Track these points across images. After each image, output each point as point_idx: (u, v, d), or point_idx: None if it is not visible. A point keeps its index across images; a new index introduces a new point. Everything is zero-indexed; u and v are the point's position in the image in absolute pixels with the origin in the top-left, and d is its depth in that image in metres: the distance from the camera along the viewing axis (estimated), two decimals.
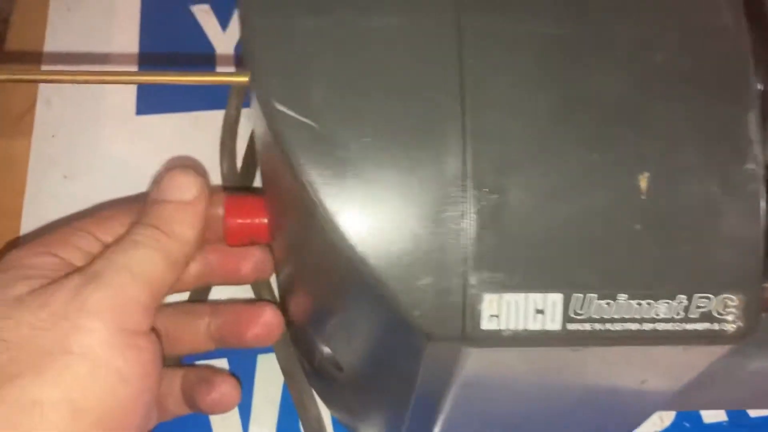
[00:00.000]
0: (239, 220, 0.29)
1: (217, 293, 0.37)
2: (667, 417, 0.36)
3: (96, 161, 0.41)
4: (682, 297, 0.21)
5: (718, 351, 0.23)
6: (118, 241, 0.27)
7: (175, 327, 0.32)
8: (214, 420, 0.35)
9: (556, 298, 0.21)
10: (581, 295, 0.21)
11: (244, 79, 0.24)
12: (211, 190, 0.29)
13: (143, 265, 0.26)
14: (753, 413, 0.36)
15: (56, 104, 0.42)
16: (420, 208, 0.21)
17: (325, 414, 0.35)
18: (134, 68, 0.44)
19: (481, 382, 0.24)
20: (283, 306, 0.34)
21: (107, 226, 0.28)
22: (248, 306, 0.32)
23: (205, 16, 0.46)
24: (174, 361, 0.34)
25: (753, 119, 0.21)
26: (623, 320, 0.21)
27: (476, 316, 0.21)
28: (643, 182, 0.21)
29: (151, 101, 0.43)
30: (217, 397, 0.31)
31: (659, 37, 0.22)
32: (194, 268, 0.31)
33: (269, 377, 0.36)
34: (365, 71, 0.21)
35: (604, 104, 0.21)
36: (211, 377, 0.31)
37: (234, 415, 0.35)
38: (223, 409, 0.32)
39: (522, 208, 0.21)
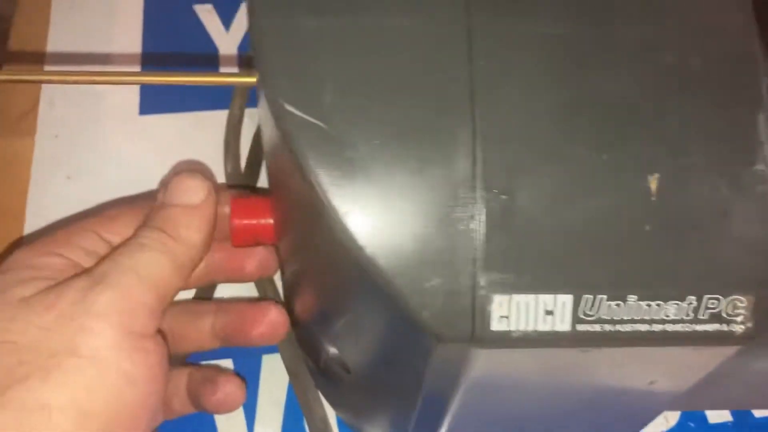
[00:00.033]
0: (245, 221, 0.29)
1: (222, 291, 0.37)
2: (672, 417, 0.36)
3: (99, 161, 0.41)
4: (692, 298, 0.21)
5: (727, 352, 0.22)
6: (125, 243, 0.27)
7: (180, 325, 0.32)
8: (219, 420, 0.35)
9: (565, 299, 0.21)
10: (591, 296, 0.21)
11: (251, 80, 0.24)
12: (217, 189, 0.29)
13: (150, 268, 0.26)
14: (758, 413, 0.36)
15: (59, 104, 0.42)
16: (429, 209, 0.21)
17: (330, 414, 0.35)
18: (137, 68, 0.44)
19: (489, 382, 0.24)
20: (288, 306, 0.34)
21: (112, 225, 0.28)
22: (253, 305, 0.32)
23: (208, 15, 0.45)
24: (180, 360, 0.34)
25: (762, 120, 0.21)
26: (633, 321, 0.21)
27: (486, 318, 0.21)
28: (653, 183, 0.21)
29: (154, 101, 0.42)
30: (221, 396, 0.31)
31: (669, 39, 0.22)
32: (200, 265, 0.31)
33: (274, 377, 0.36)
34: (374, 72, 0.21)
35: (613, 105, 0.21)
36: (215, 377, 0.31)
37: (239, 415, 0.35)
38: (228, 409, 0.32)
39: (531, 209, 0.21)
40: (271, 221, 0.29)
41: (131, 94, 0.43)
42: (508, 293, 0.21)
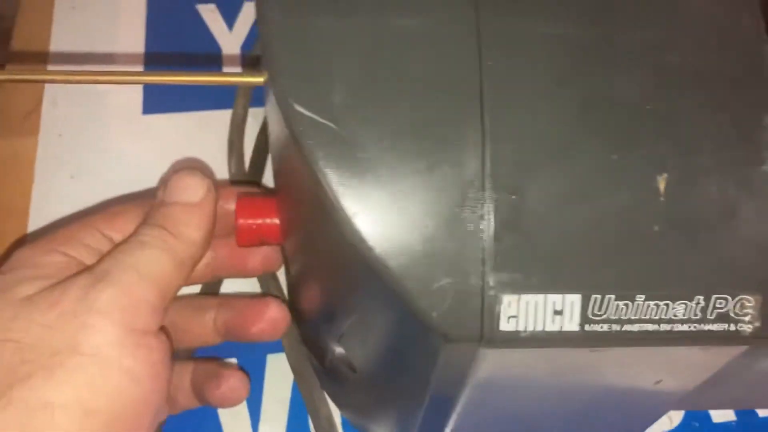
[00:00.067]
0: (250, 221, 0.29)
1: (228, 286, 0.37)
2: (677, 416, 0.36)
3: (102, 161, 0.40)
4: (700, 298, 0.21)
5: (734, 351, 0.23)
6: (126, 241, 0.27)
7: (183, 320, 0.32)
8: (224, 419, 0.35)
9: (574, 299, 0.21)
10: (599, 296, 0.21)
11: (258, 80, 0.24)
12: (220, 186, 0.29)
13: (150, 266, 0.26)
14: (762, 413, 0.36)
15: (62, 104, 0.42)
16: (438, 210, 0.21)
17: (335, 414, 0.35)
18: (140, 68, 0.44)
19: (496, 382, 0.24)
20: (293, 305, 0.34)
21: (115, 222, 0.28)
22: (254, 301, 0.32)
23: (211, 15, 0.45)
24: (185, 354, 0.34)
25: None
26: (641, 321, 0.21)
27: (495, 318, 0.21)
28: (662, 183, 0.21)
29: (157, 101, 0.42)
30: (225, 391, 0.31)
31: (678, 39, 0.22)
32: (203, 261, 0.31)
33: (279, 376, 0.36)
34: (384, 72, 0.21)
35: (622, 105, 0.21)
36: (219, 372, 0.32)
37: (244, 414, 0.35)
38: (231, 403, 0.32)
39: (540, 209, 0.21)
40: (277, 221, 0.29)
41: (134, 94, 0.43)
42: (517, 293, 0.21)
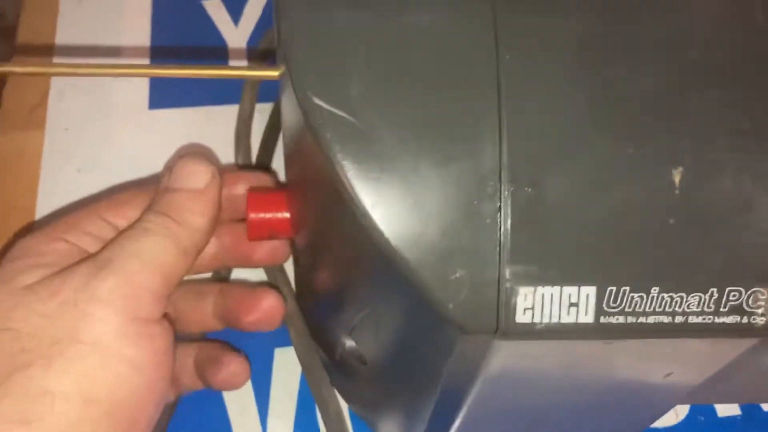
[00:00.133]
0: (261, 215, 0.29)
1: (237, 274, 0.37)
2: (682, 411, 0.36)
3: (109, 155, 0.41)
4: (714, 290, 0.21)
5: (746, 344, 0.23)
6: (130, 228, 0.26)
7: (185, 305, 0.32)
8: (232, 414, 0.35)
9: (590, 291, 0.21)
10: (615, 288, 0.21)
11: (272, 73, 0.24)
12: (225, 171, 0.29)
13: (153, 253, 0.25)
14: (766, 407, 0.37)
15: (68, 97, 0.42)
16: (455, 202, 0.21)
17: (344, 408, 0.35)
18: (146, 62, 0.44)
19: (508, 374, 0.24)
20: (301, 298, 0.34)
21: (119, 210, 0.28)
22: (251, 290, 0.32)
23: (216, 10, 0.45)
24: (190, 336, 0.34)
25: None
26: (655, 313, 0.21)
27: (511, 310, 0.21)
28: (677, 177, 0.21)
29: (163, 96, 0.42)
30: (226, 376, 0.31)
31: (693, 33, 0.22)
32: (209, 252, 0.31)
33: (287, 370, 0.36)
34: (402, 66, 0.21)
35: (638, 99, 0.21)
36: (221, 356, 0.31)
37: (252, 407, 0.35)
38: (233, 387, 0.32)
39: (557, 201, 0.21)
40: (287, 215, 0.29)
41: (141, 89, 0.43)
42: (533, 285, 0.21)
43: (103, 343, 0.24)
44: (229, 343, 0.34)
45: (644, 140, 0.21)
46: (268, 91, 0.41)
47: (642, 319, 0.21)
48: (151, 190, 0.29)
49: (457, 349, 0.22)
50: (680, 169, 0.21)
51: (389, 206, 0.21)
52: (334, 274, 0.28)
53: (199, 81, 0.41)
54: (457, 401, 0.26)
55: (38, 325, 0.24)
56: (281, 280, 0.36)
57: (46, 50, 0.43)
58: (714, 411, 0.36)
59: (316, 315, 0.33)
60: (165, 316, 0.26)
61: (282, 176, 0.38)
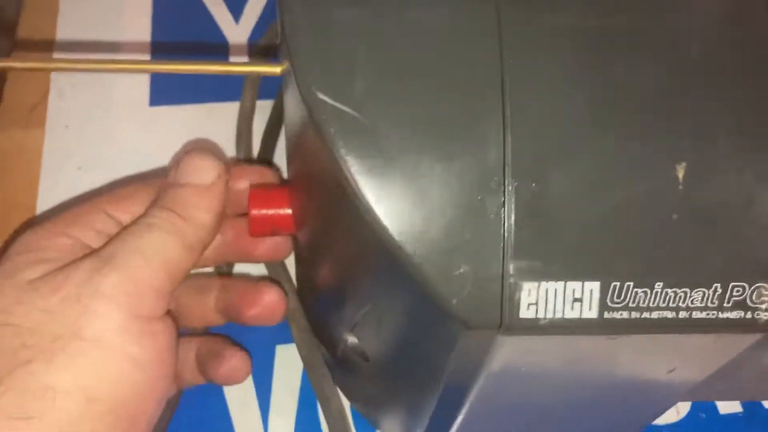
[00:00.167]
0: (263, 212, 0.29)
1: (240, 268, 0.37)
2: (683, 408, 0.36)
3: (110, 152, 0.41)
4: (717, 285, 0.21)
5: (749, 339, 0.23)
6: (134, 223, 0.26)
7: (187, 300, 0.32)
8: (234, 411, 0.35)
9: (593, 287, 0.21)
10: (618, 284, 0.21)
11: (275, 69, 0.24)
12: (230, 166, 0.29)
13: (158, 249, 0.25)
14: None
15: (69, 94, 0.42)
16: (459, 198, 0.21)
17: (346, 406, 0.35)
18: (147, 58, 0.44)
19: (511, 370, 0.24)
20: (302, 295, 0.34)
21: (123, 204, 0.28)
22: (252, 285, 0.32)
23: (217, 8, 0.45)
24: (193, 330, 0.34)
25: None
26: (659, 308, 0.21)
27: (515, 305, 0.21)
28: (681, 172, 0.21)
29: (164, 93, 0.42)
30: (228, 370, 0.31)
31: (696, 29, 0.22)
32: (212, 245, 0.31)
33: (288, 368, 0.36)
34: (406, 62, 0.21)
35: (642, 95, 0.21)
36: (222, 351, 0.31)
37: (253, 405, 0.35)
38: (234, 381, 0.32)
39: (561, 197, 0.21)
40: (289, 211, 0.29)
41: (141, 86, 0.43)
42: (537, 281, 0.21)
43: (105, 339, 0.24)
44: (226, 336, 0.34)
45: (648, 136, 0.21)
46: (268, 89, 0.41)
47: (646, 315, 0.21)
48: (154, 184, 0.28)
49: (461, 344, 0.22)
50: (683, 164, 0.21)
51: (393, 201, 0.21)
52: (337, 270, 0.28)
53: (200, 78, 0.41)
54: (459, 397, 0.26)
55: (40, 320, 0.23)
56: (283, 276, 0.36)
57: (47, 46, 0.43)
58: (715, 408, 0.36)
59: (317, 311, 0.33)
60: (168, 312, 0.26)
61: (284, 172, 0.38)
